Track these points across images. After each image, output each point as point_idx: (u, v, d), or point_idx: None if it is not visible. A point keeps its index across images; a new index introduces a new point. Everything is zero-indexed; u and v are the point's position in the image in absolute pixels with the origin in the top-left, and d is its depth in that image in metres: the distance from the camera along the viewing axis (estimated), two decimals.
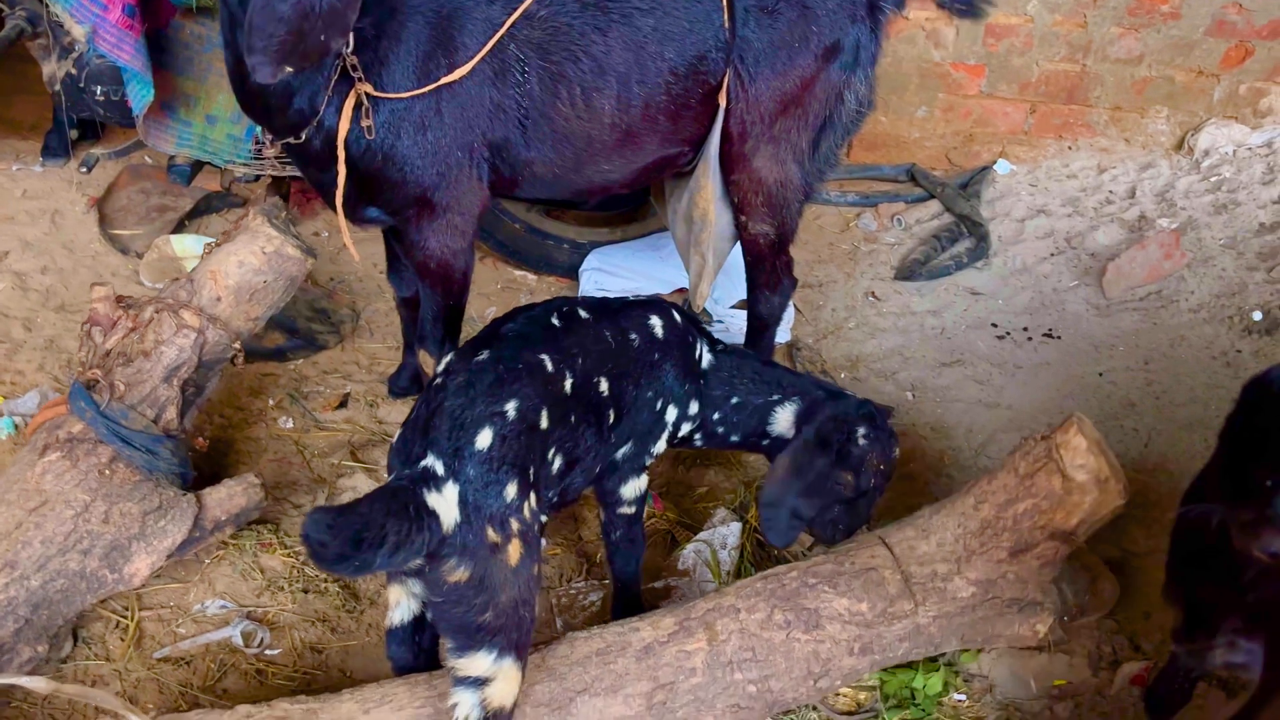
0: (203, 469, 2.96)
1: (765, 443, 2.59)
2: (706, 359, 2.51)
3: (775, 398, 2.54)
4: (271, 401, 3.32)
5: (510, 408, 2.00)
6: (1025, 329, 3.88)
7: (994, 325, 3.90)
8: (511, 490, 1.95)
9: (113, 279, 3.77)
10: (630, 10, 2.55)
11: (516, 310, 2.32)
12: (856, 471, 2.43)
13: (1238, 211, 4.29)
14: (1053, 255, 4.23)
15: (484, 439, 1.95)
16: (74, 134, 4.26)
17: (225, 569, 2.74)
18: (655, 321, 2.39)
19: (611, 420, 2.26)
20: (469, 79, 2.46)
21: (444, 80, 2.41)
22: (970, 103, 4.63)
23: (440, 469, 1.91)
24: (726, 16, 2.59)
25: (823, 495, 2.44)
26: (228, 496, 2.69)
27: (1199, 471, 1.84)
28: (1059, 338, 3.83)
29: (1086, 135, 4.72)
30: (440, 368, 2.11)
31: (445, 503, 1.89)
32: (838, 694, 2.46)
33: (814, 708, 2.43)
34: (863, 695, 2.53)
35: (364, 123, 2.40)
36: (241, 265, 2.72)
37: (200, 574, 2.72)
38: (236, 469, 3.06)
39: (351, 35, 2.32)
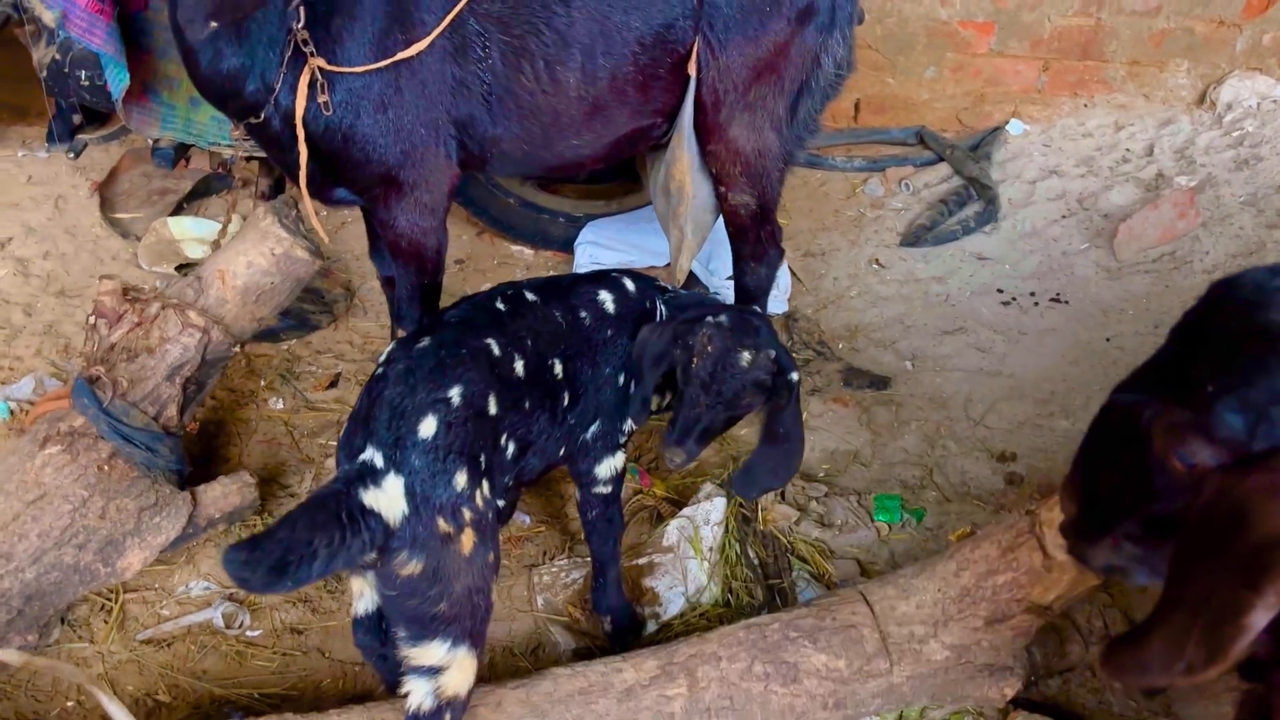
0: (192, 451, 2.97)
1: None
2: (665, 316, 2.43)
3: None
4: (263, 382, 3.33)
5: (454, 394, 1.96)
6: (1032, 294, 3.79)
7: (1000, 291, 3.81)
8: (461, 479, 1.92)
9: (113, 263, 3.80)
10: None
11: (462, 299, 2.28)
12: (689, 349, 2.23)
13: (1260, 167, 4.14)
14: (1064, 217, 4.12)
15: (428, 427, 1.91)
16: (78, 119, 4.28)
17: (210, 550, 2.75)
18: (605, 296, 2.34)
19: (566, 402, 2.22)
20: (429, 55, 2.42)
21: (400, 56, 2.38)
22: (980, 62, 4.51)
23: (379, 461, 1.88)
24: None
25: (655, 368, 2.28)
26: (222, 495, 2.71)
27: (1139, 365, 1.69)
28: (1066, 302, 3.74)
29: (1103, 92, 4.57)
30: (382, 358, 2.08)
31: (387, 497, 1.86)
32: None
33: None
34: None
35: (320, 99, 2.37)
36: (250, 266, 2.72)
37: (186, 555, 2.74)
38: (226, 451, 3.08)
39: (303, 10, 2.29)
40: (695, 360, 2.22)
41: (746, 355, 2.21)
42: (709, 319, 2.25)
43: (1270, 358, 1.43)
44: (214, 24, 2.15)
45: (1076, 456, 1.78)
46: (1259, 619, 1.36)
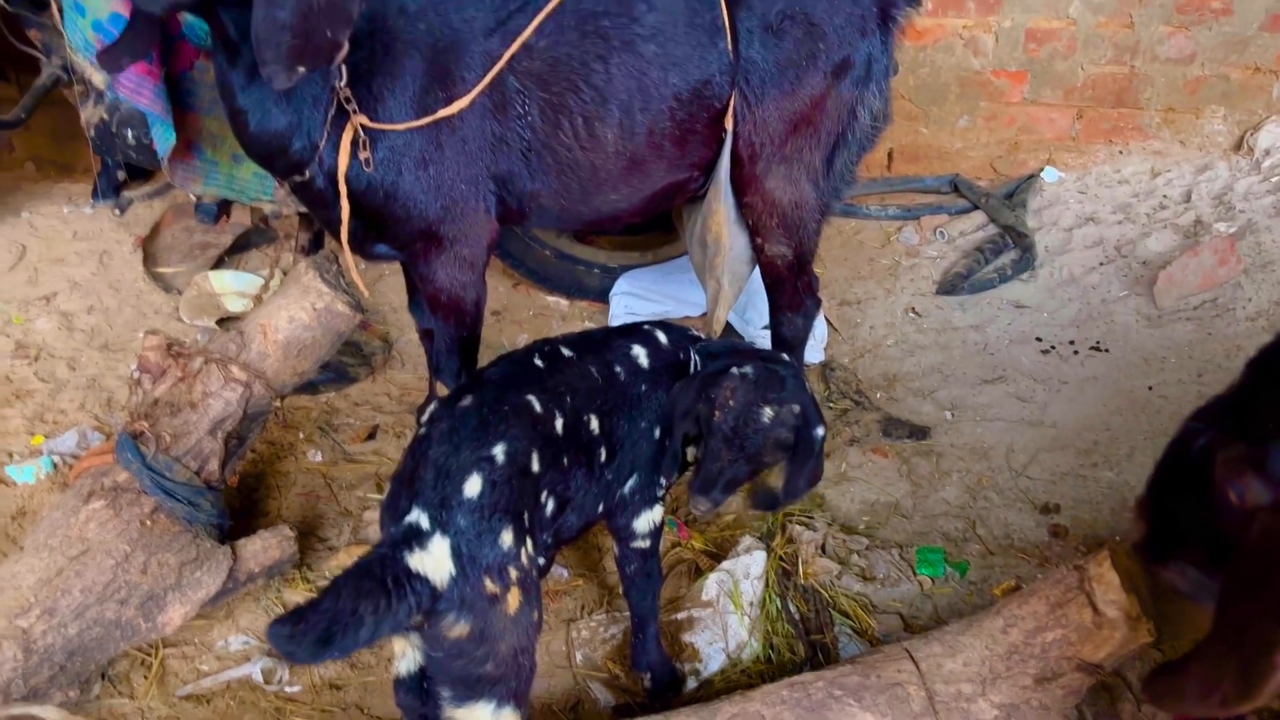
0: (231, 504, 2.99)
1: None
2: (699, 367, 2.40)
3: None
4: (301, 435, 3.35)
5: (498, 451, 1.96)
6: (1071, 342, 3.75)
7: (1039, 339, 3.78)
8: (507, 538, 1.91)
9: (155, 316, 3.85)
10: (631, 37, 2.52)
11: (500, 357, 2.29)
12: (711, 402, 2.20)
13: None
14: (1102, 264, 4.09)
15: (473, 486, 1.90)
16: (122, 175, 4.37)
17: (249, 604, 2.75)
18: (639, 351, 2.34)
19: (603, 458, 2.21)
20: (469, 112, 2.46)
21: (441, 114, 2.41)
22: (1013, 110, 4.51)
23: (425, 522, 1.87)
24: (729, 39, 2.55)
25: (683, 421, 2.26)
26: (262, 549, 2.72)
27: (1219, 394, 1.73)
28: (1107, 350, 3.70)
29: (1138, 138, 4.56)
30: (424, 418, 2.09)
31: (433, 559, 1.84)
32: None
33: None
34: None
35: (362, 155, 2.41)
36: (292, 321, 2.75)
37: (225, 609, 2.74)
38: (265, 504, 3.09)
39: (345, 69, 2.34)
40: (717, 414, 2.19)
41: (769, 411, 2.19)
42: (734, 370, 2.22)
43: None
44: (301, 69, 2.21)
45: (1150, 477, 1.84)
46: None
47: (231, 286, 3.88)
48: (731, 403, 2.19)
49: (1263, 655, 1.43)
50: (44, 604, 2.40)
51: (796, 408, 2.21)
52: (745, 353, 2.41)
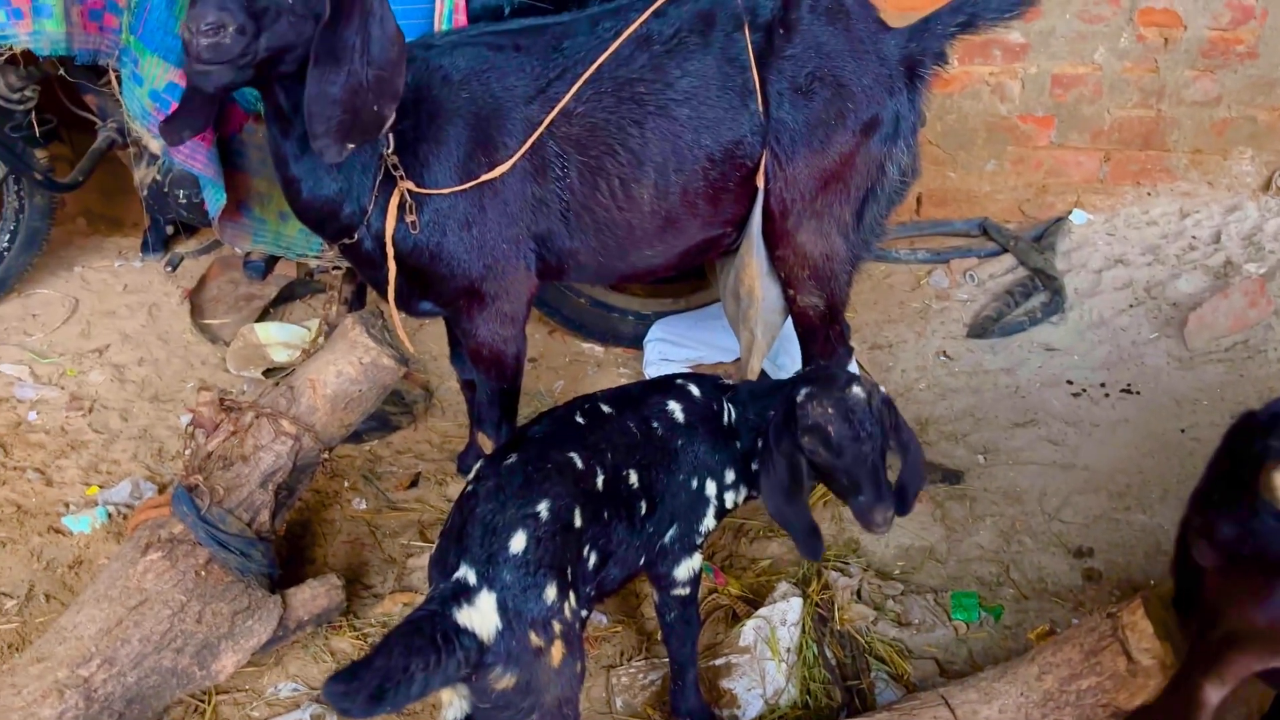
0: (280, 552, 3.07)
1: None
2: (733, 415, 2.47)
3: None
4: (346, 483, 3.43)
5: (542, 508, 2.03)
6: (1103, 385, 3.78)
7: (1070, 382, 3.81)
8: (551, 592, 1.98)
9: (202, 367, 3.96)
10: (665, 102, 2.61)
11: (542, 414, 2.37)
12: (815, 431, 2.19)
13: None
14: (1132, 306, 4.12)
15: (518, 542, 1.98)
16: (170, 230, 4.50)
17: (298, 651, 2.83)
18: (674, 406, 2.40)
19: (644, 511, 2.28)
20: (510, 176, 2.56)
21: (484, 178, 2.51)
22: (1041, 154, 4.57)
23: (473, 578, 1.95)
24: (760, 100, 2.64)
25: (798, 485, 2.26)
26: (311, 598, 2.80)
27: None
28: (1138, 393, 3.72)
29: (1166, 180, 4.60)
30: (471, 475, 2.17)
31: (480, 614, 1.92)
32: None
33: None
34: None
35: (408, 218, 2.51)
36: (339, 375, 2.84)
37: (275, 657, 2.81)
38: (311, 552, 3.17)
39: (392, 136, 2.44)
40: (832, 434, 2.18)
41: (858, 391, 2.22)
42: (798, 399, 2.24)
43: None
44: (350, 146, 2.32)
45: (1175, 538, 2.15)
46: (1212, 697, 1.70)
47: (277, 338, 3.99)
48: (830, 411, 2.19)
49: (1191, 698, 1.70)
50: (104, 653, 2.49)
51: (868, 377, 2.30)
52: (774, 385, 2.49)
